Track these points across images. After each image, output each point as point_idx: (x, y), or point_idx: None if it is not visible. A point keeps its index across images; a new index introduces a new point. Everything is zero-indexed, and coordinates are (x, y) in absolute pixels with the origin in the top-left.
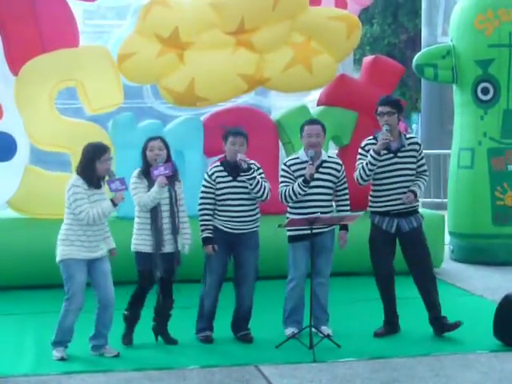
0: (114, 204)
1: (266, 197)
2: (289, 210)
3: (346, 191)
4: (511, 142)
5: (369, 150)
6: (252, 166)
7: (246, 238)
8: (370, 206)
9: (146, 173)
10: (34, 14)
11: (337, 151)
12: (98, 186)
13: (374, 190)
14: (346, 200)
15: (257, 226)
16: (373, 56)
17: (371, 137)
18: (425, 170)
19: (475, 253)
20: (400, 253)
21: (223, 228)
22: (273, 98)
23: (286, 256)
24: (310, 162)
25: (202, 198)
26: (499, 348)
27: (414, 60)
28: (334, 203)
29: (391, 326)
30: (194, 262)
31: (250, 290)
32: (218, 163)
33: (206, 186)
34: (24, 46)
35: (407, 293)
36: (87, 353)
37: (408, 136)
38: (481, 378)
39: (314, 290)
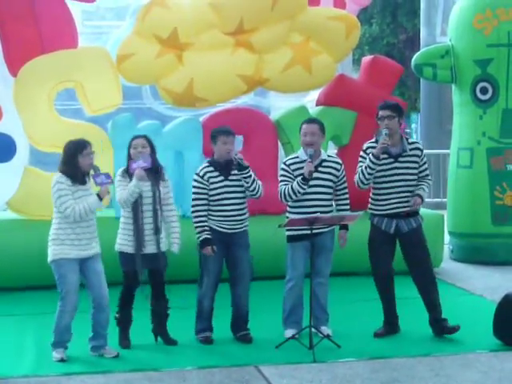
0: (100, 198)
1: (260, 194)
2: (288, 209)
3: (346, 191)
4: (510, 142)
5: (370, 154)
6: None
7: (238, 238)
8: (370, 208)
9: (129, 169)
10: (32, 15)
11: (336, 151)
12: (83, 182)
13: (374, 194)
14: (346, 199)
15: (247, 225)
16: (372, 56)
17: (373, 139)
18: (427, 175)
19: (475, 252)
20: (400, 253)
21: (218, 228)
22: (272, 98)
23: (285, 256)
24: (309, 160)
25: (195, 199)
26: (499, 347)
27: (413, 60)
28: (333, 203)
29: (391, 326)
30: (187, 262)
31: (246, 290)
32: (207, 164)
33: (198, 187)
34: (23, 47)
35: (407, 293)
36: (87, 354)
37: (410, 141)
38: (481, 377)
39: (313, 290)
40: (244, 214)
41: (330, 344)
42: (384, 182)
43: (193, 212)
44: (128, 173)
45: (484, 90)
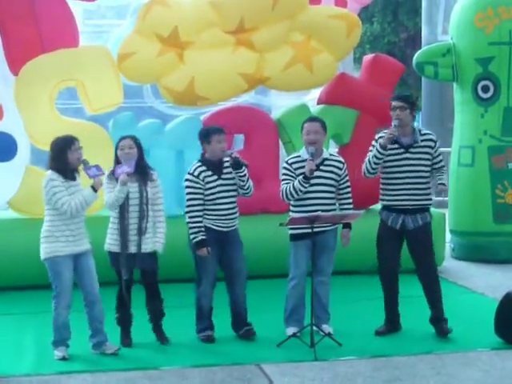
0: (95, 190)
1: (252, 192)
2: (291, 208)
3: (349, 189)
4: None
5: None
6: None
7: (232, 236)
8: (381, 200)
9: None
10: (33, 14)
11: (337, 150)
12: (73, 178)
13: (384, 183)
14: (349, 198)
15: (238, 223)
16: (373, 54)
17: (386, 130)
18: (443, 166)
19: (476, 251)
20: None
21: (214, 227)
22: (273, 97)
23: (287, 254)
24: (311, 158)
25: (190, 199)
26: (500, 346)
27: (415, 58)
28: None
29: (392, 324)
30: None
31: (243, 287)
32: (199, 163)
33: (193, 187)
34: (24, 46)
35: (411, 291)
36: (88, 352)
37: (423, 132)
38: (482, 376)
39: (315, 289)
40: (236, 212)
41: (332, 342)
42: (394, 172)
43: (188, 212)
44: (114, 175)
45: (485, 89)
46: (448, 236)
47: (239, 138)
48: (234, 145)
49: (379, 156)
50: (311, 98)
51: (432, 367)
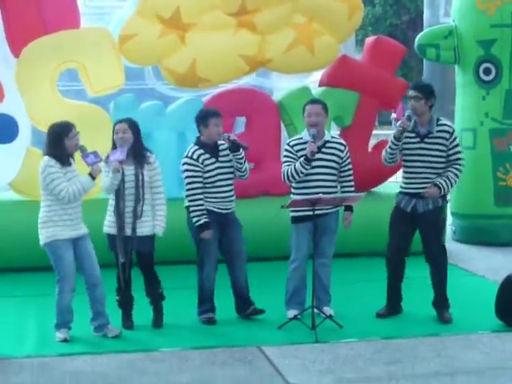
0: (93, 177)
1: (248, 175)
2: (292, 190)
3: (350, 172)
4: None
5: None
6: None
7: (231, 218)
8: (400, 186)
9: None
10: None
11: (339, 132)
12: (69, 164)
13: (403, 172)
14: (350, 181)
15: (234, 205)
16: (375, 37)
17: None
18: (458, 159)
19: (477, 233)
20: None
21: (215, 209)
22: (274, 79)
23: (289, 237)
24: (312, 140)
25: (190, 183)
26: (501, 328)
27: (416, 40)
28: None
29: (393, 306)
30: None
31: (244, 269)
32: (197, 146)
33: (193, 171)
34: (25, 28)
35: (416, 272)
36: (90, 335)
37: (440, 123)
38: (483, 358)
39: (316, 271)
40: (234, 194)
41: (333, 324)
42: (409, 160)
43: (189, 196)
44: None
45: (487, 71)
46: (449, 218)
47: (241, 121)
48: (235, 127)
49: (393, 146)
50: (313, 81)
51: (433, 349)
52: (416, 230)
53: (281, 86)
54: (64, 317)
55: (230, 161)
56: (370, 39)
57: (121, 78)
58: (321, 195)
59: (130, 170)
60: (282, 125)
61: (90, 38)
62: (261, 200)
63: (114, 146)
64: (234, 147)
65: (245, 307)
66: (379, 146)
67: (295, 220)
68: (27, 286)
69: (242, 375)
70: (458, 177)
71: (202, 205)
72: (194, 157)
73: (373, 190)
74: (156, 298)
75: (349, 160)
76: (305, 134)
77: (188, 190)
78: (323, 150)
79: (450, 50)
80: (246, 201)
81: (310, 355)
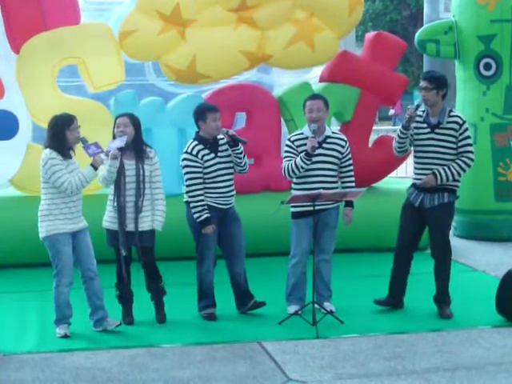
0: (95, 168)
1: (248, 169)
2: (293, 186)
3: (351, 167)
4: None
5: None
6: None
7: (231, 213)
8: (412, 178)
9: None
10: None
11: (339, 127)
12: (70, 157)
13: (414, 162)
14: (351, 176)
15: (234, 200)
16: (375, 32)
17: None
18: (467, 151)
19: (478, 229)
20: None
21: (215, 204)
22: (275, 74)
23: (289, 233)
24: (312, 136)
25: (191, 178)
26: (502, 323)
27: (417, 36)
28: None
29: (394, 299)
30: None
31: (243, 265)
32: (196, 142)
33: (193, 166)
34: (25, 24)
35: (419, 267)
36: (90, 330)
37: (452, 114)
38: (483, 353)
39: (317, 267)
40: (234, 189)
41: (333, 320)
42: (419, 151)
43: (190, 192)
44: None
45: (487, 66)
46: None
47: (241, 116)
48: (235, 122)
49: (401, 135)
50: (313, 76)
51: (433, 345)
52: (425, 225)
53: (281, 82)
54: (63, 312)
55: (230, 156)
56: (370, 35)
57: (121, 74)
58: (321, 191)
59: (130, 165)
60: (283, 120)
61: (90, 33)
62: (261, 196)
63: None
64: (233, 142)
65: (245, 302)
66: (379, 141)
67: (295, 215)
68: (28, 281)
69: (242, 371)
70: (462, 169)
71: (202, 200)
72: (194, 152)
73: (373, 185)
74: (157, 293)
75: (349, 155)
76: (305, 130)
77: (188, 185)
78: (324, 145)
79: (450, 46)
80: (247, 196)
81: (310, 351)
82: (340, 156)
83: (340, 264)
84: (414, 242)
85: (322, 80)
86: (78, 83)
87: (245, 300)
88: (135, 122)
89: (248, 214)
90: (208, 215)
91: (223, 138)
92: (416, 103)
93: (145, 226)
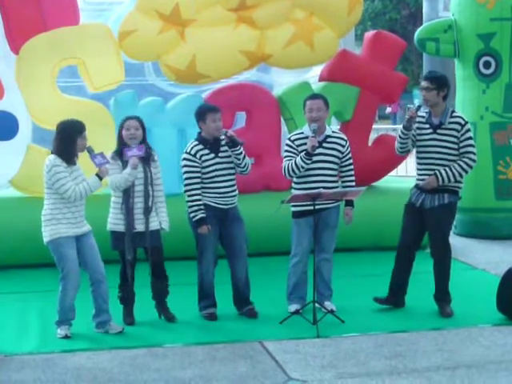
0: (100, 178)
1: (249, 170)
2: (293, 185)
3: (351, 167)
4: None
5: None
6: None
7: (232, 213)
8: (416, 179)
9: (121, 153)
10: None
11: (339, 126)
12: (74, 163)
13: (417, 163)
14: (351, 176)
15: (237, 200)
16: (374, 31)
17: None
18: (468, 152)
19: (478, 227)
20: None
21: (214, 204)
22: (274, 74)
23: (289, 232)
24: (313, 135)
25: (188, 178)
26: (502, 322)
27: (416, 35)
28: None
29: (394, 297)
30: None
31: (245, 265)
32: (196, 142)
33: (191, 166)
34: (25, 25)
35: (419, 266)
36: (91, 331)
37: (454, 114)
38: (484, 351)
39: (317, 266)
40: (236, 189)
41: (334, 319)
42: (421, 151)
43: (187, 191)
44: (119, 155)
45: (487, 65)
46: None
47: (241, 116)
48: (235, 122)
49: (402, 135)
50: (313, 76)
51: (434, 343)
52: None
53: (281, 82)
54: (66, 315)
55: (231, 156)
56: (369, 34)
57: (121, 74)
58: (321, 190)
59: (138, 168)
60: (282, 120)
61: (90, 34)
62: (261, 195)
63: (120, 141)
64: (232, 143)
65: (242, 304)
66: (379, 140)
67: (296, 215)
68: (29, 282)
69: (243, 370)
70: (464, 170)
71: (198, 200)
72: (192, 152)
73: (373, 184)
74: (161, 293)
75: (350, 155)
76: (306, 129)
77: (186, 185)
78: (324, 144)
79: (450, 44)
80: (247, 196)
81: (311, 350)
82: (340, 155)
83: (340, 263)
84: (416, 242)
85: (321, 79)
86: (78, 84)
87: (241, 304)
88: (143, 126)
89: (248, 213)
90: (203, 215)
91: (224, 139)
92: (417, 104)
93: (153, 225)
